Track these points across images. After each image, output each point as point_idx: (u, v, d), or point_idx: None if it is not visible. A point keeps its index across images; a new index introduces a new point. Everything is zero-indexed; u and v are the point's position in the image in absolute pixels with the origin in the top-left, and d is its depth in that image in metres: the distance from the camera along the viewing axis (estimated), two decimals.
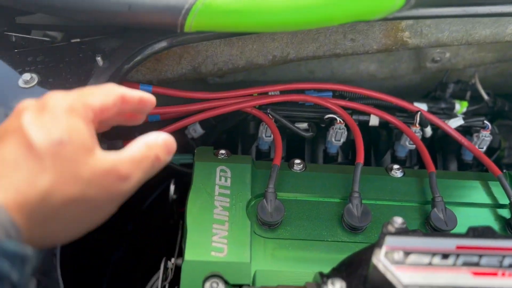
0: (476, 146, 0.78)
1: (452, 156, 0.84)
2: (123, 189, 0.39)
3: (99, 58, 0.62)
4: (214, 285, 0.54)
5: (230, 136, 0.89)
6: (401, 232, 0.47)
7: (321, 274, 0.48)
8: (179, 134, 0.88)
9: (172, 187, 0.72)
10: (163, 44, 0.61)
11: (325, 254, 0.61)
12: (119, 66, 0.62)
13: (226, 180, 0.66)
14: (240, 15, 0.48)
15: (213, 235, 0.60)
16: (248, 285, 0.54)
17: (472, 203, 0.68)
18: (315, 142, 0.83)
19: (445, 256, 0.43)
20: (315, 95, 0.76)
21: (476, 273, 0.42)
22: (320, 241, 0.62)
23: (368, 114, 0.78)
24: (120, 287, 0.89)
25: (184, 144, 0.89)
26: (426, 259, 0.43)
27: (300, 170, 0.70)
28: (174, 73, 0.75)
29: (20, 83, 0.61)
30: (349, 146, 0.82)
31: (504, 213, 0.68)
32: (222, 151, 0.70)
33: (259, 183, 0.67)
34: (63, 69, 0.63)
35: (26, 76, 0.61)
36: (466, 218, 0.66)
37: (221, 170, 0.67)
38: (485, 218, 0.68)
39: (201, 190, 0.64)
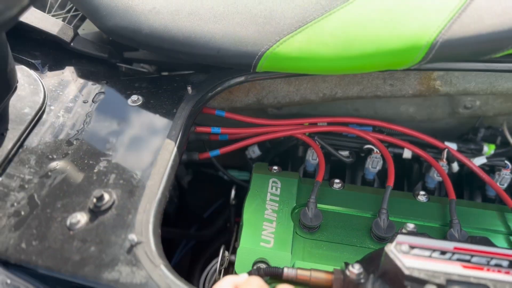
0: (497, 183, 0.88)
1: (477, 191, 0.94)
2: None
3: (189, 88, 0.81)
4: (261, 265, 0.68)
5: (282, 159, 1.05)
6: (411, 233, 0.60)
7: (346, 263, 0.62)
8: (240, 154, 1.07)
9: (233, 192, 0.88)
10: (239, 79, 0.80)
11: (353, 256, 0.74)
12: (204, 95, 0.81)
13: (276, 190, 0.82)
14: (297, 61, 0.65)
15: (263, 230, 0.75)
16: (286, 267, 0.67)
17: (487, 229, 0.79)
18: (355, 169, 0.97)
19: (443, 252, 0.56)
20: (357, 128, 0.91)
21: (465, 266, 0.55)
22: (350, 245, 0.76)
23: (402, 148, 0.91)
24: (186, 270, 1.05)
25: (244, 163, 1.07)
26: (427, 252, 0.56)
27: (339, 188, 0.84)
28: (242, 103, 0.94)
29: (129, 102, 0.81)
30: (384, 175, 0.95)
31: None
32: (275, 167, 0.86)
33: (303, 195, 0.82)
34: (162, 94, 0.82)
35: (134, 97, 0.81)
36: None
37: (273, 182, 0.83)
38: (497, 243, 0.78)
39: (256, 196, 0.80)
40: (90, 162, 0.71)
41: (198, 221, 1.17)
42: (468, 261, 0.56)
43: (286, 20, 0.68)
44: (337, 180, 0.85)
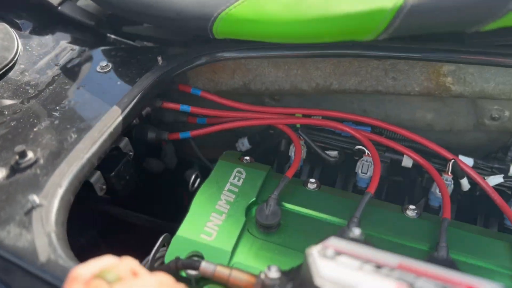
0: None
1: (494, 218, 0.77)
2: None
3: (159, 58, 0.75)
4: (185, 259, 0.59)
5: (274, 154, 0.94)
6: (351, 239, 0.47)
7: (269, 265, 0.51)
8: (232, 147, 0.98)
9: (193, 178, 0.80)
10: (215, 56, 0.73)
11: None
12: (174, 67, 0.75)
13: (239, 180, 0.72)
14: (251, 24, 0.56)
15: (208, 221, 0.66)
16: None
17: (486, 261, 0.63)
18: (347, 174, 0.84)
19: (379, 267, 0.43)
20: (350, 126, 0.79)
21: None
22: None
23: (401, 154, 0.77)
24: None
25: None
26: (357, 263, 0.43)
27: (313, 188, 0.72)
28: (227, 86, 0.85)
29: (98, 68, 0.76)
30: (383, 183, 0.82)
31: None
32: (247, 158, 0.76)
33: (268, 190, 0.71)
34: (133, 63, 0.77)
35: (103, 63, 0.77)
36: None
37: (238, 171, 0.73)
38: (497, 281, 0.61)
39: (214, 184, 0.71)
40: (35, 121, 0.67)
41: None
42: (412, 284, 0.42)
43: None
44: (312, 180, 0.73)
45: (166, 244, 0.68)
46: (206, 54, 0.76)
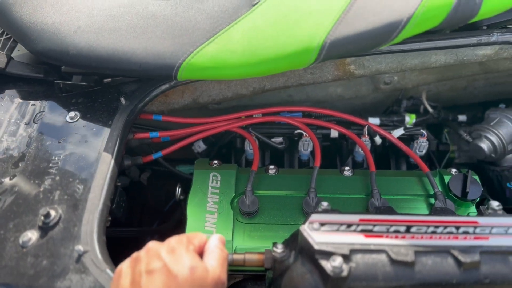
0: (416, 150, 0.98)
1: (402, 159, 1.04)
2: None
3: (122, 99, 0.87)
4: None
5: (227, 151, 1.12)
6: (324, 211, 0.69)
7: (274, 243, 0.70)
8: (188, 150, 1.14)
9: (178, 190, 0.95)
10: (165, 86, 0.86)
11: (288, 234, 0.82)
12: (137, 104, 0.87)
13: (216, 183, 0.89)
14: (211, 70, 0.72)
15: (206, 221, 0.83)
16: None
17: (406, 194, 0.89)
18: (291, 151, 1.05)
19: (349, 225, 0.65)
20: (287, 116, 0.99)
21: (367, 236, 0.64)
22: (286, 224, 0.85)
23: (329, 129, 1.00)
24: None
25: (193, 157, 1.14)
26: (335, 227, 0.65)
27: (274, 173, 0.92)
28: (179, 104, 1.00)
29: (68, 119, 0.86)
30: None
31: (433, 201, 0.88)
32: (215, 161, 0.93)
33: (242, 184, 0.90)
34: (97, 107, 0.88)
35: (72, 113, 0.86)
36: (400, 207, 0.87)
37: (213, 175, 0.90)
38: (416, 206, 0.88)
39: (198, 191, 0.88)
40: (36, 181, 0.77)
41: (160, 217, 1.24)
42: (371, 230, 0.65)
43: (199, 31, 0.75)
44: (271, 167, 0.93)
45: None
46: (161, 85, 0.89)
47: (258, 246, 0.80)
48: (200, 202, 0.86)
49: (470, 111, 1.14)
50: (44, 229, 0.70)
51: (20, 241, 0.69)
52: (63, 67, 1.02)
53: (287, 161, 1.06)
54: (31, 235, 0.69)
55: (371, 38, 0.66)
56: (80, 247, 0.66)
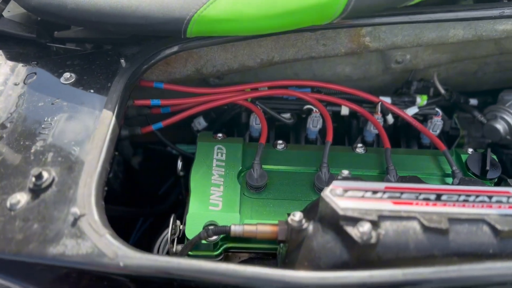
0: (430, 130, 0.94)
1: (413, 140, 1.00)
2: None
3: (122, 60, 0.80)
4: (210, 227, 0.70)
5: (228, 128, 1.06)
6: (345, 178, 0.63)
7: (289, 214, 0.65)
8: (187, 131, 1.07)
9: (179, 163, 0.89)
10: (173, 49, 0.80)
11: (298, 210, 0.77)
12: (138, 66, 0.81)
13: (222, 156, 0.83)
14: (225, 23, 0.66)
15: (211, 195, 0.77)
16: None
17: (422, 173, 0.84)
18: (297, 130, 1.00)
19: (374, 192, 0.60)
20: (296, 90, 0.94)
21: (396, 202, 0.59)
22: (296, 200, 0.79)
23: (340, 106, 0.95)
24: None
25: (192, 137, 1.07)
26: (360, 193, 0.59)
27: (282, 148, 0.87)
28: (181, 74, 0.94)
29: (62, 80, 0.79)
30: (326, 133, 0.99)
31: (449, 181, 0.84)
32: (220, 134, 0.87)
33: (248, 158, 0.84)
34: (95, 69, 0.81)
35: (67, 75, 0.79)
36: None
37: (218, 148, 0.84)
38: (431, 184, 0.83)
39: (202, 163, 0.82)
40: (26, 143, 0.69)
41: (153, 200, 1.17)
42: (399, 197, 0.60)
43: None
44: (280, 141, 0.87)
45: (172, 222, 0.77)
46: (164, 49, 0.82)
47: (267, 221, 0.74)
48: (205, 175, 0.80)
49: (480, 96, 1.11)
50: (36, 191, 0.63)
51: (8, 204, 0.61)
52: (56, 32, 0.96)
53: (293, 140, 1.00)
54: (20, 198, 0.62)
55: None
56: (76, 210, 0.59)
